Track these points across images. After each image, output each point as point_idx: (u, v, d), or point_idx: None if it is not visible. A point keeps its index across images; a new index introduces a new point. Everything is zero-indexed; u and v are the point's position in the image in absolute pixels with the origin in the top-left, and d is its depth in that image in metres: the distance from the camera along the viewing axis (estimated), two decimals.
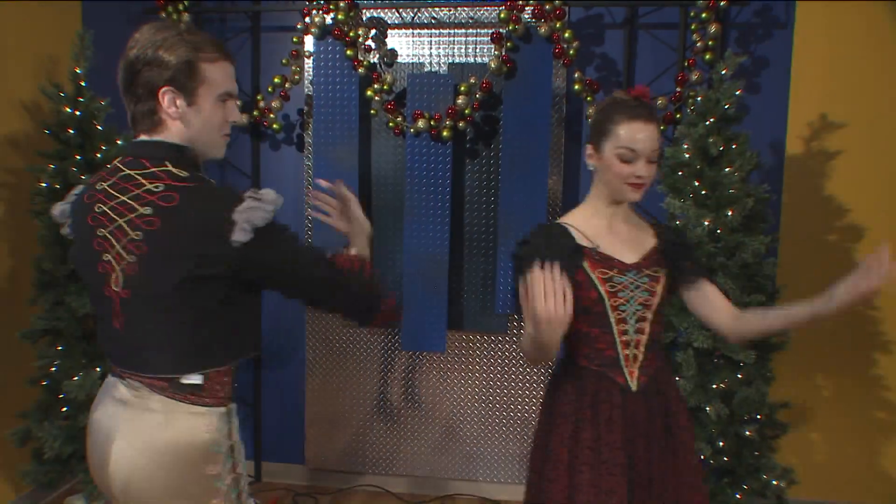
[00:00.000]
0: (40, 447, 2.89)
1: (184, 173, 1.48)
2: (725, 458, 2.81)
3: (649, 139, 1.78)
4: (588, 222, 1.91)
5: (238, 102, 1.62)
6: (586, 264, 1.84)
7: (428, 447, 3.72)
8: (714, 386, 2.75)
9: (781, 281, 3.10)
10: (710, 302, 1.94)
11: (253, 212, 1.43)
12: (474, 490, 3.72)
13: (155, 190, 1.45)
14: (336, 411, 3.74)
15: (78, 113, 2.87)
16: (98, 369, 2.84)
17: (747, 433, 2.78)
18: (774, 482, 2.79)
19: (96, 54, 3.03)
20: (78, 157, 2.86)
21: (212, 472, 1.51)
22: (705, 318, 1.96)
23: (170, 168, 1.48)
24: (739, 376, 2.77)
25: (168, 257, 1.44)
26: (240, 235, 1.42)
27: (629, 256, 1.89)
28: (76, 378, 2.80)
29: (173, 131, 1.52)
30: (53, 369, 2.88)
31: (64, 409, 2.86)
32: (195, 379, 1.51)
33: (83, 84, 2.91)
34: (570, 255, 1.83)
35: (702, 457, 2.75)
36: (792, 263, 3.27)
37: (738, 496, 2.81)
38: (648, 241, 1.94)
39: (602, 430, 1.82)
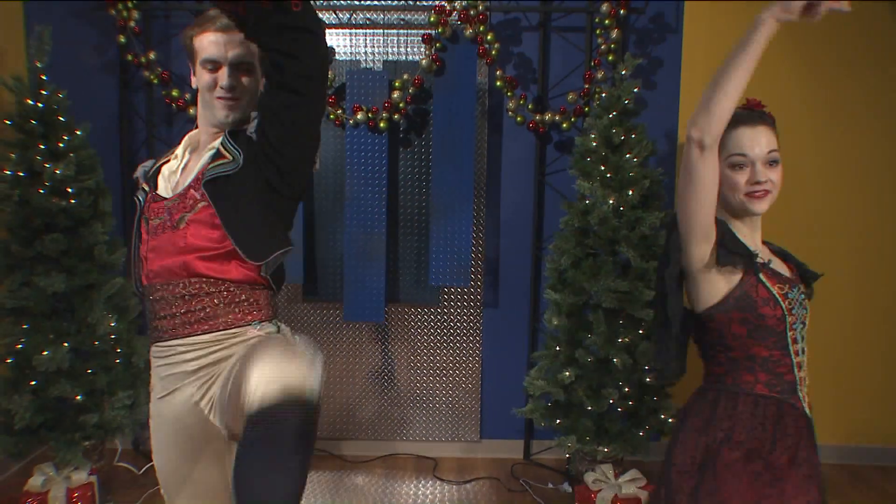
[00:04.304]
0: (9, 419, 3.08)
1: None
2: (630, 402, 3.28)
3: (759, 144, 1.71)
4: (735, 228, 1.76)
5: (224, 71, 1.73)
6: (763, 277, 1.70)
7: (369, 412, 4.07)
8: (620, 340, 3.21)
9: None
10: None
11: None
12: (411, 449, 4.10)
13: None
14: None
15: (41, 105, 3.07)
16: (66, 344, 3.05)
17: (647, 380, 3.26)
18: (671, 420, 3.28)
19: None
20: (42, 146, 3.05)
21: None
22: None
23: None
24: (641, 332, 3.24)
25: None
26: None
27: (783, 269, 1.78)
28: (46, 353, 3.01)
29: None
30: (20, 346, 3.07)
31: (33, 382, 3.06)
32: None
33: (44, 77, 3.09)
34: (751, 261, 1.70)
35: (610, 401, 3.21)
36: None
37: (640, 434, 3.29)
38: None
39: (784, 463, 1.68)
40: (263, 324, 1.78)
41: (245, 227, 1.69)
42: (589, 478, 3.35)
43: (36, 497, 3.13)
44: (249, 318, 1.75)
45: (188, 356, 1.72)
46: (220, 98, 1.74)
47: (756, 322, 1.66)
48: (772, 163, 1.71)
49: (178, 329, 1.71)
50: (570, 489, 3.65)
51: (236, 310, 1.73)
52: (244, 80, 1.75)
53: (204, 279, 1.70)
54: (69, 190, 3.08)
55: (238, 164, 1.71)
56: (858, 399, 3.99)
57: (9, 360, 3.10)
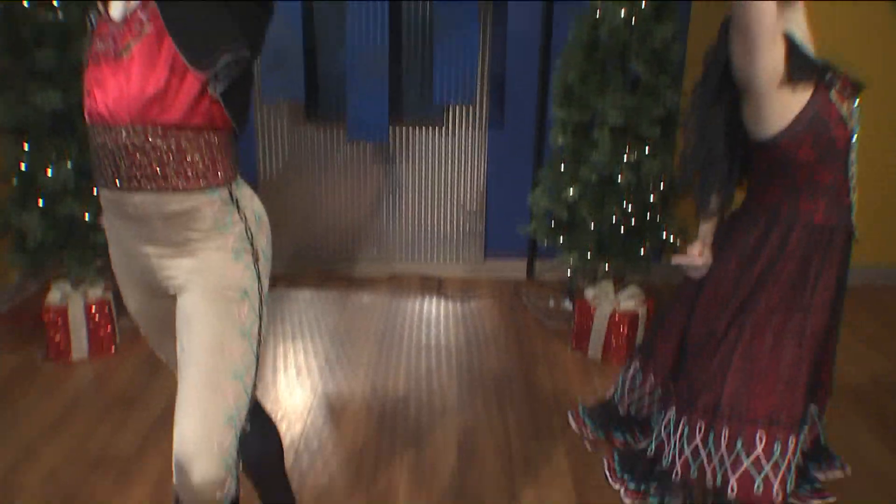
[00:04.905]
0: (22, 238, 3.14)
1: None
2: (633, 221, 3.29)
3: None
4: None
5: None
6: (834, 96, 1.57)
7: (374, 233, 4.13)
8: (625, 158, 3.17)
9: (691, 64, 3.47)
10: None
11: None
12: (416, 269, 4.20)
13: None
14: (286, 204, 4.07)
15: None
16: (69, 164, 3.04)
17: (651, 199, 3.26)
18: (672, 238, 3.31)
19: None
20: None
21: None
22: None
23: None
24: (647, 150, 3.19)
25: None
26: None
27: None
28: (49, 171, 3.01)
29: None
30: (23, 166, 3.07)
31: (40, 201, 3.09)
32: None
33: None
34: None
35: (613, 220, 3.23)
36: (700, 50, 3.62)
37: (641, 252, 3.33)
38: None
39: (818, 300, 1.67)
40: (220, 190, 1.55)
41: (190, 29, 1.45)
42: (589, 293, 3.43)
43: (56, 311, 3.26)
44: (203, 182, 1.52)
45: (142, 220, 1.53)
46: None
47: (826, 145, 1.54)
48: None
49: (123, 183, 1.50)
50: (570, 306, 3.77)
51: (189, 171, 1.50)
52: None
53: (150, 126, 1.46)
54: (55, 2, 2.96)
55: None
56: None
57: (14, 181, 3.12)
